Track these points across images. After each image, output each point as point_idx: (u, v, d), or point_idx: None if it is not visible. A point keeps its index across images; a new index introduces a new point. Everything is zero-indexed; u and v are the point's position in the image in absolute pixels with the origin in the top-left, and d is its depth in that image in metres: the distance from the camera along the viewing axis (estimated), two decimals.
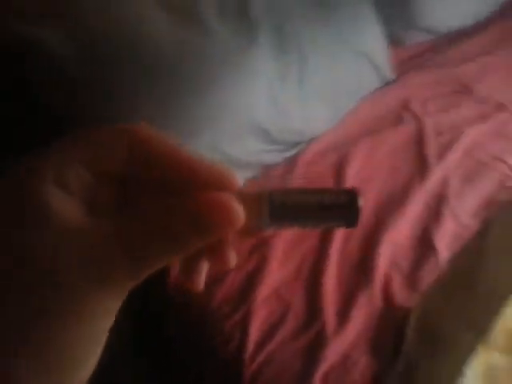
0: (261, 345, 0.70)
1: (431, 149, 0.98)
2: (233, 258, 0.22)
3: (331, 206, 0.19)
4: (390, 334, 0.70)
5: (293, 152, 0.96)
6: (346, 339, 0.70)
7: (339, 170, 0.94)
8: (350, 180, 0.91)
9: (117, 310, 0.19)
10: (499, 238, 0.81)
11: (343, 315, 0.72)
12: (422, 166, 0.94)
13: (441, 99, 1.10)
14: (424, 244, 0.81)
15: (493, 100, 1.11)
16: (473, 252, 0.80)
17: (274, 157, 0.93)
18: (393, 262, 0.79)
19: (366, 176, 0.94)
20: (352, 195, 0.19)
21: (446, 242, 0.80)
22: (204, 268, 0.22)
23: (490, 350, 0.69)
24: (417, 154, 0.97)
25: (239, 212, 0.18)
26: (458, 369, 0.66)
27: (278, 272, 0.78)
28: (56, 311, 0.17)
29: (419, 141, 1.00)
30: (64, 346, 0.17)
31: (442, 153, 0.97)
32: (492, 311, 0.72)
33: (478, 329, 0.71)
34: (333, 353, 0.68)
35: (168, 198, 0.20)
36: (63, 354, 0.18)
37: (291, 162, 0.96)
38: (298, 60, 0.89)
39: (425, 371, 0.67)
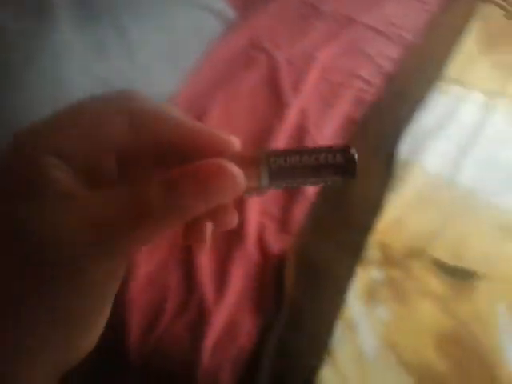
0: (145, 334, 0.66)
1: (286, 83, 0.94)
2: (235, 218, 0.22)
3: (327, 164, 0.20)
4: (272, 285, 0.68)
5: None
6: (228, 305, 0.67)
7: None
8: None
9: (120, 276, 0.19)
10: (359, 162, 0.80)
11: (221, 281, 0.68)
12: (279, 103, 0.90)
13: (289, 28, 1.05)
14: None
15: (341, 16, 1.08)
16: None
17: None
18: (263, 211, 0.76)
19: (226, 126, 0.89)
20: (346, 150, 0.20)
21: None
22: (208, 228, 0.22)
23: (368, 266, 0.69)
24: (273, 91, 0.93)
25: (240, 177, 0.18)
26: (340, 299, 0.66)
27: (150, 258, 0.73)
28: (58, 278, 0.17)
29: (274, 77, 0.95)
30: (66, 315, 0.18)
31: (297, 84, 0.93)
32: (364, 228, 0.72)
33: (354, 251, 0.71)
34: (217, 322, 0.65)
35: (171, 166, 0.19)
36: (66, 324, 0.18)
37: None
38: (116, 28, 0.80)
39: (309, 311, 0.66)
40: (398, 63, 0.98)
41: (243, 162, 0.20)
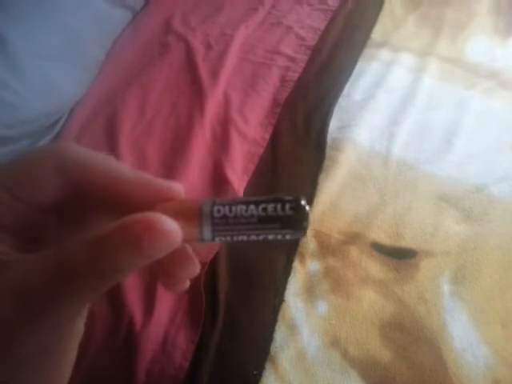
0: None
1: (204, 69, 0.86)
2: (195, 268, 0.20)
3: (276, 216, 0.18)
4: (205, 295, 0.64)
5: (50, 136, 0.80)
6: (159, 323, 0.62)
7: (112, 132, 0.80)
8: (125, 140, 0.79)
9: (65, 345, 0.18)
10: (288, 146, 0.75)
11: (150, 299, 0.63)
12: (199, 93, 0.84)
13: (202, 5, 0.97)
14: (217, 178, 0.73)
15: None
16: (266, 168, 0.73)
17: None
18: None
19: (144, 126, 0.81)
20: (297, 202, 0.18)
21: (237, 173, 0.73)
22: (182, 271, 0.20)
23: (305, 260, 0.66)
24: (191, 80, 0.86)
25: (174, 233, 0.16)
26: (278, 299, 0.62)
27: None
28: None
29: (191, 65, 0.88)
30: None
31: (217, 68, 0.86)
32: None
33: (290, 246, 0.66)
34: (149, 344, 0.60)
35: (107, 219, 0.19)
36: None
37: None
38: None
39: (246, 317, 0.62)
40: (321, 33, 0.92)
41: (182, 211, 0.19)
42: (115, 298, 0.64)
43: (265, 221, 0.18)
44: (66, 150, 0.19)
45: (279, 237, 0.19)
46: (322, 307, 0.62)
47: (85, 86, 0.84)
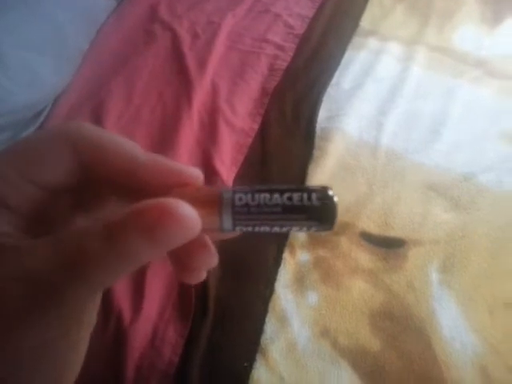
0: None
1: (191, 58, 0.85)
2: (215, 257, 0.19)
3: (302, 207, 0.17)
4: (194, 288, 0.63)
5: (33, 127, 0.78)
6: (148, 318, 0.61)
7: (97, 122, 0.79)
8: (110, 130, 0.77)
9: (77, 334, 0.17)
10: (277, 136, 0.75)
11: (138, 294, 0.62)
12: (186, 82, 0.82)
13: None
14: (206, 169, 0.72)
15: None
16: (255, 159, 0.73)
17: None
18: None
19: (130, 115, 0.80)
20: (324, 192, 0.17)
21: (226, 164, 0.72)
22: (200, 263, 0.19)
23: (295, 250, 0.65)
24: (178, 69, 0.84)
25: (193, 220, 0.15)
26: (268, 291, 0.62)
27: None
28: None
29: (177, 53, 0.86)
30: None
31: (204, 57, 0.85)
32: None
33: (280, 236, 0.66)
34: (138, 339, 0.60)
35: (120, 203, 0.19)
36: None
37: None
38: None
39: (236, 310, 0.61)
40: (310, 21, 0.91)
41: (200, 198, 0.17)
42: (103, 293, 0.63)
43: (290, 211, 0.17)
44: (80, 129, 0.18)
45: (304, 229, 0.18)
46: (312, 298, 0.61)
47: (69, 75, 0.81)
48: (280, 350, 0.58)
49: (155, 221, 0.15)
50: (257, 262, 0.65)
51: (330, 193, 0.18)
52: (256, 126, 0.76)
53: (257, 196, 0.17)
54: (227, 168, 0.71)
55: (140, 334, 0.59)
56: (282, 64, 0.84)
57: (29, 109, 0.74)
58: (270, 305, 0.61)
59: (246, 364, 0.57)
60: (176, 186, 0.18)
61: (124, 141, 0.18)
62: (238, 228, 0.18)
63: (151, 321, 0.61)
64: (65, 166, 0.18)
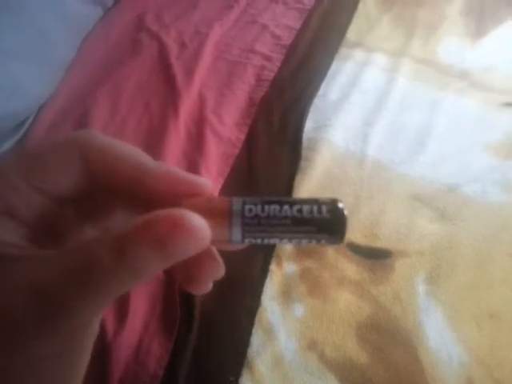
0: None
1: (178, 67, 0.85)
2: (221, 268, 0.20)
3: (312, 219, 0.17)
4: (179, 300, 0.62)
5: (16, 137, 0.76)
6: (132, 331, 0.60)
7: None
8: None
9: (81, 348, 0.17)
10: (264, 147, 0.74)
11: (122, 306, 0.61)
12: (173, 92, 0.82)
13: (176, 4, 0.95)
14: None
15: None
16: (242, 170, 0.72)
17: None
18: None
19: (116, 126, 0.79)
20: (334, 205, 0.17)
21: (213, 174, 0.71)
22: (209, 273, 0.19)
23: (282, 262, 0.65)
24: (165, 79, 0.84)
25: (204, 231, 0.15)
26: (255, 303, 0.61)
27: None
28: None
29: (164, 63, 0.86)
30: None
31: (191, 67, 0.84)
32: None
33: (266, 247, 0.66)
34: (122, 352, 0.58)
35: (129, 214, 0.19)
36: None
37: (22, 147, 0.76)
38: None
39: (222, 322, 0.61)
40: (297, 32, 0.91)
41: (210, 209, 0.17)
42: None
43: (300, 223, 0.17)
44: (89, 139, 0.18)
45: (314, 242, 0.18)
46: (299, 310, 0.61)
47: (53, 84, 0.80)
48: (266, 363, 0.57)
49: (166, 232, 0.15)
50: (243, 273, 0.64)
51: (341, 205, 0.18)
52: (243, 137, 0.76)
53: (267, 207, 0.17)
54: (214, 179, 0.70)
55: (124, 347, 0.58)
56: (269, 74, 0.84)
57: (11, 118, 0.73)
58: (257, 317, 0.61)
59: (231, 379, 0.56)
60: (185, 196, 0.18)
61: (133, 149, 0.18)
62: (247, 240, 0.18)
63: (136, 333, 0.59)
64: (73, 176, 0.18)
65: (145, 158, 0.18)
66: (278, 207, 0.17)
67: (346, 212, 0.18)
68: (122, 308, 0.61)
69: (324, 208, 0.17)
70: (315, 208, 0.17)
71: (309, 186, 0.72)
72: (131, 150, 0.18)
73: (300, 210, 0.17)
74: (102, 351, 0.58)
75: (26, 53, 0.74)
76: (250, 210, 0.17)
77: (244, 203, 0.17)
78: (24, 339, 0.15)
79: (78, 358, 0.18)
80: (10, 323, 0.14)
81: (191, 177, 0.18)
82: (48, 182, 0.17)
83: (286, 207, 0.17)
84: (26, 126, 0.77)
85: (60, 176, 0.17)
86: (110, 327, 0.59)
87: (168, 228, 0.15)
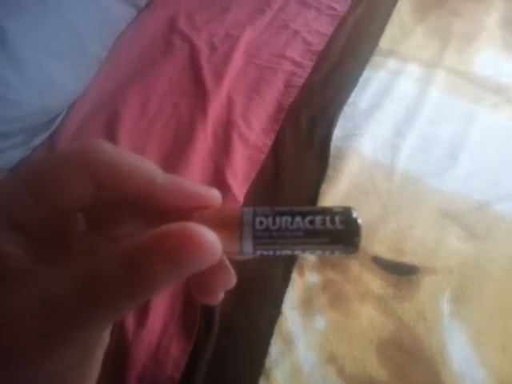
0: None
1: (208, 70, 0.85)
2: (233, 278, 0.19)
3: (325, 230, 0.17)
4: (200, 303, 0.62)
5: (47, 133, 0.78)
6: (152, 331, 0.60)
7: (111, 131, 0.78)
8: (124, 139, 0.77)
9: (90, 363, 0.17)
10: (291, 154, 0.74)
11: (142, 307, 0.62)
12: (202, 94, 0.82)
13: (209, 5, 0.95)
14: (218, 183, 0.71)
15: None
16: (268, 176, 0.72)
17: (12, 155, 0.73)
18: None
19: (145, 126, 0.79)
20: (348, 215, 0.17)
21: (238, 179, 0.71)
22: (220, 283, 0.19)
23: (304, 272, 0.64)
24: (194, 81, 0.84)
25: (215, 245, 0.15)
26: (275, 312, 0.61)
27: None
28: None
29: (195, 65, 0.86)
30: None
31: (221, 70, 0.84)
32: None
33: (289, 256, 0.65)
34: (141, 352, 0.59)
35: (138, 226, 0.19)
36: None
37: (52, 142, 0.78)
38: None
39: (242, 329, 0.60)
40: (328, 39, 0.90)
41: (221, 221, 0.17)
42: None
43: (312, 235, 0.17)
44: (96, 150, 0.17)
45: (327, 252, 0.17)
46: (320, 322, 0.60)
47: (85, 82, 0.81)
48: (284, 374, 0.57)
49: (178, 247, 0.15)
50: (264, 280, 0.63)
51: (354, 215, 0.17)
52: (270, 142, 0.76)
53: (278, 220, 0.17)
54: (239, 183, 0.70)
55: (143, 346, 0.58)
56: (299, 81, 0.83)
57: (43, 113, 0.74)
58: (277, 326, 0.60)
59: None
60: (195, 209, 0.18)
61: (142, 161, 0.18)
62: (258, 252, 0.17)
63: (155, 333, 0.60)
64: (80, 189, 0.17)
65: (154, 171, 0.18)
66: (289, 219, 0.17)
67: (359, 221, 0.17)
68: (143, 309, 0.61)
69: (337, 218, 0.17)
70: (328, 218, 0.17)
71: (335, 195, 0.71)
72: (140, 163, 0.18)
73: (312, 222, 0.17)
74: (122, 350, 0.58)
75: (61, 50, 0.75)
76: (261, 223, 0.17)
77: (255, 215, 0.17)
78: (35, 354, 0.14)
79: (88, 370, 0.18)
80: (19, 340, 0.14)
81: (200, 189, 0.18)
82: (54, 195, 0.17)
83: (297, 219, 0.17)
84: (57, 122, 0.79)
85: (66, 190, 0.17)
86: (131, 327, 0.59)
87: (180, 243, 0.14)
